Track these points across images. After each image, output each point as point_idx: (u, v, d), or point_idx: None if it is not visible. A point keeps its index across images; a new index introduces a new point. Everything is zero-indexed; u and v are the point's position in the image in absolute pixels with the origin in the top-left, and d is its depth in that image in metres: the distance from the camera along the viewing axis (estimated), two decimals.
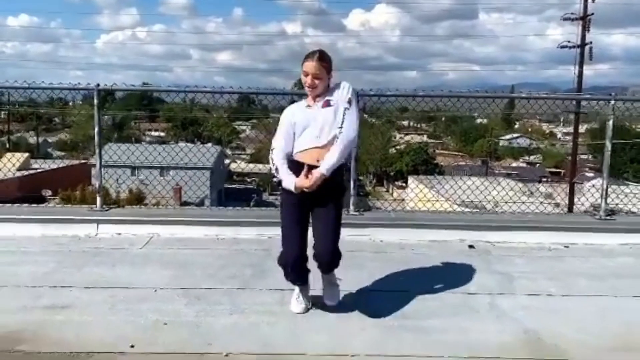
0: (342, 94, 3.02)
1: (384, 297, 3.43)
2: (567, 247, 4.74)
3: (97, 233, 4.72)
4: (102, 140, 4.83)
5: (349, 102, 3.01)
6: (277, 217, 4.90)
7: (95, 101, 4.79)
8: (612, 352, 2.75)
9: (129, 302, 3.26)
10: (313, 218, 3.07)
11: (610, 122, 4.91)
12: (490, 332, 2.97)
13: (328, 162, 2.91)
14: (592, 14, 26.53)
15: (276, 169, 3.03)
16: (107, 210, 4.88)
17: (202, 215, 4.79)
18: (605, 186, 4.98)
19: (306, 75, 3.01)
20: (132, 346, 2.70)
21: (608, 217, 5.00)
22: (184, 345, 2.74)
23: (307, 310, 3.20)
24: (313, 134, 2.99)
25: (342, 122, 2.94)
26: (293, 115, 3.08)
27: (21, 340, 2.74)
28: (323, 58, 3.01)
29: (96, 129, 4.84)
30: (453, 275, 3.89)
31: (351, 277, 3.61)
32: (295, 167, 3.00)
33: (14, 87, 5.04)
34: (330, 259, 3.03)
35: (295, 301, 3.22)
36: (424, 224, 4.85)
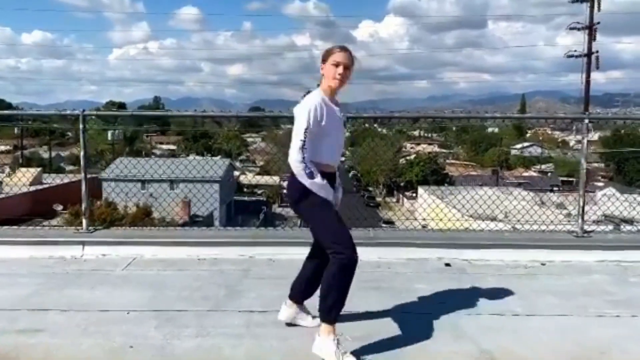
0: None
1: (347, 317, 3.49)
2: (543, 264, 4.78)
3: (83, 254, 4.86)
4: (87, 163, 5.00)
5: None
6: (258, 237, 5.06)
7: (81, 126, 4.96)
8: None
9: (100, 325, 3.38)
10: None
11: (585, 141, 4.96)
12: (445, 352, 3.03)
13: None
14: (599, 22, 26.54)
15: (310, 173, 2.76)
16: (92, 231, 5.02)
17: (185, 236, 4.91)
18: (582, 203, 5.02)
19: (337, 65, 2.80)
20: None
21: (585, 235, 5.04)
22: None
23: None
24: (338, 146, 2.98)
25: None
26: (322, 109, 2.80)
27: None
28: (351, 52, 2.89)
29: (82, 153, 5.01)
30: (422, 293, 3.96)
31: None
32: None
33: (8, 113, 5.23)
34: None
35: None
36: (402, 242, 4.92)
